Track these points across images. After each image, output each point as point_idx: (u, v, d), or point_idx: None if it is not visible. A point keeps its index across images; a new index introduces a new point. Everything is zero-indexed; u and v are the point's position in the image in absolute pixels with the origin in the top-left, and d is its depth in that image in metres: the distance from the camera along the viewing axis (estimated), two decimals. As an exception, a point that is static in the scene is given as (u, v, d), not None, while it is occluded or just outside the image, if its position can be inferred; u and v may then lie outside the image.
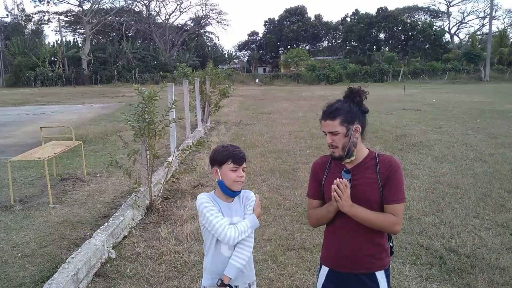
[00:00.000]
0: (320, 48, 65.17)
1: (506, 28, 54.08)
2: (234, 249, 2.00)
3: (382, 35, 57.64)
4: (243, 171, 2.01)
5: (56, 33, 76.45)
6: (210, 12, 60.78)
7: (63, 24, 54.02)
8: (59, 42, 47.57)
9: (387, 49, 56.80)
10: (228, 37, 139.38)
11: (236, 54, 67.34)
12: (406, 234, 4.17)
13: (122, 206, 4.62)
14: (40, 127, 7.00)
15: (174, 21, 64.81)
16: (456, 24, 63.71)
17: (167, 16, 59.42)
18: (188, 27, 60.92)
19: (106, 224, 4.07)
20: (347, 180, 1.85)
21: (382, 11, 54.93)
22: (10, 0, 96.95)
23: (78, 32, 56.98)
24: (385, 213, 1.84)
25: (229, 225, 1.95)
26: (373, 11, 58.45)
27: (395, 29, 55.65)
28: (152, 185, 4.99)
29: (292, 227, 4.43)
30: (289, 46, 60.06)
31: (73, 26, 56.68)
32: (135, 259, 3.75)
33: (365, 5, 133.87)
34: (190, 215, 4.69)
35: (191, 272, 3.48)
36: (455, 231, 4.22)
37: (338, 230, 1.92)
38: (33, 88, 37.66)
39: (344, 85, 38.63)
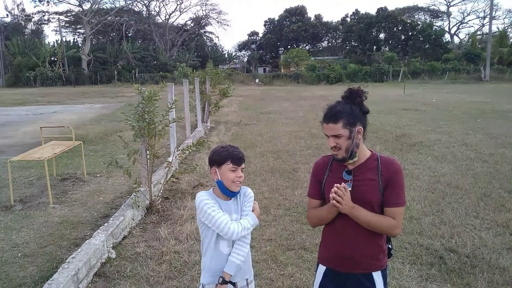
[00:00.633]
0: (320, 48, 65.19)
1: (506, 28, 54.12)
2: (232, 246, 2.02)
3: (382, 35, 57.65)
4: (241, 171, 2.02)
5: (56, 33, 76.54)
6: (210, 12, 60.84)
7: (63, 24, 54.04)
8: (59, 42, 47.56)
9: (387, 49, 56.82)
10: (228, 37, 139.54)
11: (236, 54, 67.36)
12: (406, 234, 4.16)
13: (122, 206, 4.62)
14: (40, 127, 7.00)
15: (174, 21, 64.84)
16: (456, 24, 63.80)
17: (167, 16, 59.47)
18: (188, 27, 60.92)
19: (106, 224, 4.08)
20: (349, 181, 1.86)
21: (382, 11, 54.95)
22: (10, 0, 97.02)
23: (78, 32, 57.04)
24: (385, 216, 1.84)
25: (233, 221, 1.98)
26: (373, 11, 58.55)
27: (395, 29, 55.66)
28: (152, 185, 4.99)
29: (292, 227, 4.43)
30: (289, 46, 60.07)
31: (73, 26, 56.69)
32: (135, 259, 3.75)
33: (365, 5, 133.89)
34: (190, 215, 4.69)
35: (191, 272, 3.48)
36: (455, 231, 4.22)
37: (338, 231, 1.92)
38: (33, 88, 37.66)
39: (344, 85, 38.64)
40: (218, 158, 2.01)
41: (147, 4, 56.42)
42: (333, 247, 1.96)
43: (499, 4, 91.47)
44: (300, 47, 57.67)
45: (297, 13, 62.62)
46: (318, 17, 64.34)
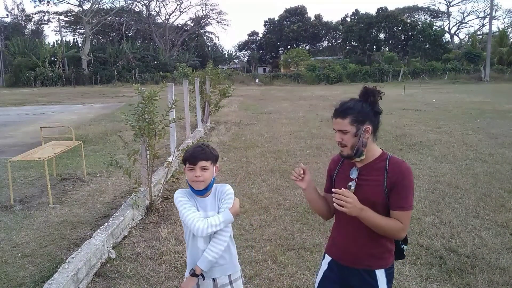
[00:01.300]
0: (320, 48, 65.25)
1: (506, 28, 54.11)
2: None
3: (382, 35, 57.67)
4: (203, 170, 2.02)
5: (56, 33, 76.52)
6: (210, 12, 60.87)
7: (63, 24, 54.04)
8: (59, 42, 47.57)
9: (387, 49, 56.85)
10: (228, 37, 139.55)
11: (236, 54, 67.40)
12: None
13: (122, 206, 4.62)
14: (40, 127, 7.00)
15: (174, 21, 64.96)
16: (456, 24, 63.82)
17: (167, 16, 59.52)
18: (188, 27, 60.94)
19: (106, 224, 4.07)
20: (354, 179, 1.86)
21: (382, 11, 54.96)
22: (10, 0, 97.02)
23: (78, 32, 57.05)
24: (393, 219, 1.81)
25: (202, 218, 2.00)
26: (373, 11, 58.57)
27: (395, 29, 55.67)
28: (152, 185, 4.98)
29: (292, 227, 4.43)
30: (289, 46, 60.10)
31: (73, 26, 56.69)
32: (135, 259, 3.75)
33: (365, 5, 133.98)
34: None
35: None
36: (455, 231, 4.22)
37: (344, 227, 1.95)
38: (33, 88, 37.67)
39: (344, 85, 38.75)
40: (183, 158, 2.09)
41: (147, 4, 56.49)
42: (337, 241, 2.00)
43: (499, 4, 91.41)
44: (300, 47, 57.70)
45: (297, 13, 62.66)
46: (318, 17, 64.39)
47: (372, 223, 1.78)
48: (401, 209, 1.79)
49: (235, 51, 68.13)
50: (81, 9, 51.11)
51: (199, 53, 55.51)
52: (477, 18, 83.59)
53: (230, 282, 2.12)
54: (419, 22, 56.49)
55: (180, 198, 2.05)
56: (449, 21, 63.45)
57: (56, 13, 57.37)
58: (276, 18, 64.08)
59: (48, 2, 52.33)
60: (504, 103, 17.40)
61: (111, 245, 3.87)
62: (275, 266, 3.58)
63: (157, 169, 6.00)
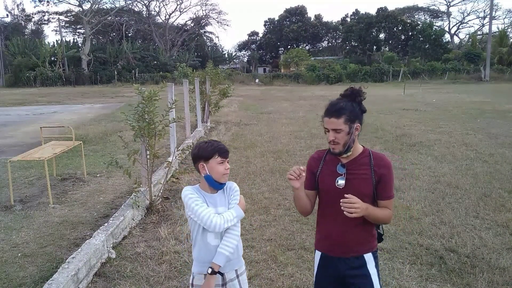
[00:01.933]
0: (320, 48, 65.25)
1: (506, 28, 54.11)
2: (221, 238, 2.07)
3: (382, 35, 57.67)
4: (228, 163, 2.10)
5: (56, 33, 76.52)
6: (210, 12, 60.86)
7: (63, 24, 54.05)
8: (59, 42, 47.57)
9: (387, 49, 56.84)
10: (228, 37, 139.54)
11: (236, 54, 67.41)
12: (406, 234, 4.16)
13: (122, 206, 4.62)
14: (40, 127, 7.00)
15: (174, 21, 64.97)
16: (456, 24, 63.80)
17: (167, 16, 59.52)
18: (188, 27, 60.93)
19: (106, 224, 4.07)
20: (342, 174, 1.97)
21: (382, 11, 54.96)
22: (10, 0, 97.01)
23: (78, 32, 57.07)
24: (386, 209, 1.99)
25: (216, 214, 2.01)
26: (373, 11, 58.56)
27: (395, 29, 55.68)
28: (152, 185, 4.98)
29: (292, 227, 4.43)
30: (289, 46, 60.10)
31: (73, 26, 56.71)
32: (135, 259, 3.75)
33: (365, 5, 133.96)
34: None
35: (191, 272, 3.47)
36: (455, 231, 4.22)
37: (329, 218, 2.04)
38: (33, 88, 37.66)
39: (344, 85, 38.63)
40: (204, 153, 2.06)
41: (147, 4, 56.48)
42: (325, 234, 2.09)
43: (499, 4, 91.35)
44: (300, 47, 57.69)
45: (297, 13, 62.67)
46: (318, 17, 64.39)
47: (374, 217, 1.94)
48: (389, 198, 2.00)
49: (235, 51, 68.18)
50: (81, 9, 51.13)
51: (199, 53, 55.51)
52: (477, 18, 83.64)
53: (237, 276, 2.15)
54: (419, 22, 56.49)
55: (190, 195, 2.05)
56: (449, 21, 63.52)
57: (56, 13, 57.43)
58: (276, 18, 64.10)
59: (48, 2, 52.38)
60: (504, 103, 17.41)
61: (111, 245, 3.87)
62: (275, 266, 3.58)
63: (157, 169, 6.00)
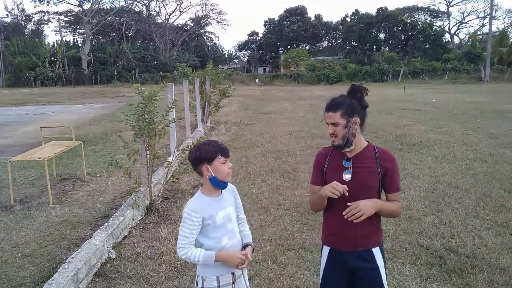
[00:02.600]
0: (320, 48, 65.24)
1: (506, 28, 54.09)
2: (232, 238, 2.10)
3: (382, 35, 57.67)
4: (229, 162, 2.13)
5: (56, 33, 76.52)
6: (210, 12, 60.89)
7: (63, 24, 54.04)
8: (59, 42, 47.57)
9: (387, 49, 56.85)
10: (228, 37, 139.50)
11: (236, 54, 67.40)
12: (406, 234, 4.16)
13: (122, 206, 4.62)
14: (40, 127, 7.00)
15: (174, 21, 64.98)
16: (456, 24, 63.75)
17: (167, 16, 59.53)
18: (188, 27, 60.94)
19: (106, 224, 4.07)
20: (348, 168, 2.05)
21: (382, 11, 54.96)
22: (10, 0, 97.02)
23: (78, 32, 57.06)
24: (395, 202, 2.09)
25: (188, 244, 2.00)
26: (373, 11, 58.59)
27: (395, 29, 55.67)
28: (152, 185, 4.98)
29: (292, 227, 4.43)
30: (289, 46, 60.10)
31: (73, 26, 56.70)
32: (135, 259, 3.75)
33: (365, 5, 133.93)
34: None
35: (191, 272, 3.48)
36: (455, 231, 4.22)
37: (337, 213, 2.05)
38: (33, 88, 37.66)
39: (344, 85, 38.65)
40: (207, 155, 2.03)
41: (147, 4, 56.48)
42: (334, 229, 2.13)
43: (499, 4, 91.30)
44: (300, 47, 57.68)
45: (297, 13, 62.67)
46: (318, 17, 64.37)
47: (386, 210, 2.05)
48: (397, 190, 2.10)
49: (235, 51, 68.17)
50: (81, 9, 51.13)
51: (199, 53, 55.51)
52: (477, 18, 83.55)
53: (242, 272, 2.19)
54: (419, 22, 56.49)
55: (189, 216, 2.01)
56: (449, 21, 63.49)
57: (56, 13, 57.42)
58: (276, 18, 64.10)
59: (48, 2, 52.38)
60: (504, 103, 17.41)
61: (111, 245, 3.87)
62: (275, 266, 3.58)
63: (157, 169, 6.00)
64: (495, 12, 56.89)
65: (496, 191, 5.49)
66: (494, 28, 51.59)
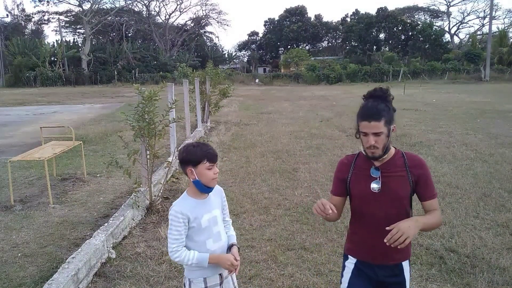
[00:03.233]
0: (320, 48, 65.20)
1: (506, 28, 54.07)
2: (218, 240, 2.10)
3: (382, 35, 57.67)
4: (216, 167, 2.07)
5: (56, 33, 76.48)
6: (210, 12, 60.90)
7: (63, 24, 54.05)
8: (59, 42, 47.56)
9: (387, 49, 56.82)
10: (228, 37, 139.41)
11: (236, 54, 67.36)
12: (406, 234, 4.16)
13: (122, 206, 4.62)
14: (40, 127, 7.00)
15: (174, 21, 64.92)
16: (456, 24, 63.73)
17: (167, 16, 59.53)
18: (188, 27, 60.94)
19: (106, 224, 4.07)
20: (377, 178, 1.90)
21: (382, 11, 54.96)
22: (10, 0, 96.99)
23: (78, 32, 57.05)
24: (433, 212, 1.92)
25: (179, 246, 2.00)
26: (373, 11, 58.57)
27: (395, 29, 55.67)
28: (152, 185, 4.98)
29: (292, 227, 4.43)
30: (289, 46, 60.09)
31: (73, 26, 56.70)
32: (135, 259, 3.75)
33: (365, 5, 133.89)
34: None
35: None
36: (455, 231, 4.22)
37: (366, 225, 1.96)
38: (33, 88, 37.66)
39: (344, 85, 38.73)
40: (193, 158, 1.99)
41: (147, 4, 56.49)
42: (362, 241, 2.00)
43: (499, 4, 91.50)
44: (300, 47, 57.68)
45: (297, 13, 62.63)
46: (318, 17, 64.36)
47: (429, 226, 1.90)
48: (433, 197, 1.93)
49: (235, 51, 68.14)
50: (81, 9, 51.15)
51: (199, 53, 55.51)
52: (477, 18, 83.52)
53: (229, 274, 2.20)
54: (419, 22, 56.48)
55: (175, 218, 1.99)
56: (449, 21, 63.48)
57: (56, 13, 57.47)
58: (276, 18, 64.06)
59: (48, 2, 52.40)
60: (504, 103, 17.41)
61: (111, 245, 3.87)
62: (275, 266, 3.58)
63: (157, 169, 6.00)
64: (495, 12, 56.96)
65: (496, 191, 5.49)
66: (494, 28, 51.66)
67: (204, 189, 2.04)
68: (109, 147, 8.77)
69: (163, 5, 75.48)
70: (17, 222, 4.57)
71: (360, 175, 1.96)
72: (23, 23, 57.02)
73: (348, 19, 61.90)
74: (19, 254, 3.77)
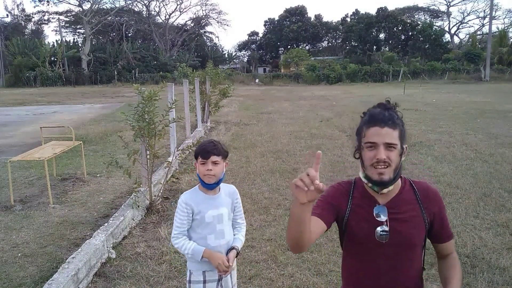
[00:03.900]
0: (320, 48, 65.17)
1: (506, 28, 54.06)
2: (220, 238, 2.14)
3: (382, 35, 57.68)
4: (214, 164, 2.07)
5: (56, 33, 76.49)
6: (210, 12, 60.88)
7: (63, 24, 54.03)
8: (59, 42, 47.56)
9: (387, 49, 56.82)
10: (228, 37, 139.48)
11: (236, 54, 67.34)
12: (406, 234, 4.16)
13: (122, 206, 4.62)
14: (40, 127, 7.00)
15: (174, 21, 64.83)
16: (456, 24, 63.69)
17: (167, 16, 59.49)
18: (188, 27, 60.92)
19: (106, 224, 4.07)
20: (384, 222, 1.46)
21: (382, 11, 54.96)
22: (10, 0, 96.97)
23: (78, 32, 57.03)
24: (452, 266, 1.60)
25: (180, 234, 2.12)
26: (373, 11, 58.57)
27: (395, 29, 55.67)
28: (152, 185, 4.98)
29: (292, 227, 4.42)
30: (289, 46, 60.07)
31: (73, 26, 56.68)
32: (135, 259, 3.75)
33: (365, 5, 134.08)
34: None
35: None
36: (455, 231, 4.21)
37: (369, 275, 1.55)
38: (33, 88, 37.65)
39: (344, 85, 38.74)
40: (195, 152, 2.15)
41: (147, 4, 56.47)
42: (364, 280, 1.57)
43: (499, 4, 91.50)
44: (300, 47, 57.66)
45: (297, 13, 62.62)
46: (318, 17, 64.34)
47: None
48: (451, 237, 1.61)
49: (235, 51, 68.12)
50: (81, 9, 51.13)
51: (199, 53, 55.50)
52: (477, 18, 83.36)
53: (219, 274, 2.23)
54: (419, 22, 56.47)
55: (180, 207, 2.12)
56: (449, 21, 63.42)
57: (56, 13, 57.46)
58: (276, 18, 64.04)
59: (48, 2, 52.39)
60: (504, 103, 17.40)
61: (111, 245, 3.87)
62: (275, 266, 3.58)
63: (157, 169, 6.00)
64: (495, 12, 56.91)
65: (496, 191, 5.49)
66: (494, 28, 51.56)
67: (202, 183, 2.12)
68: (109, 147, 8.77)
69: (163, 5, 75.44)
70: (17, 222, 4.57)
71: (362, 213, 1.50)
72: (23, 23, 57.03)
73: (348, 19, 61.88)
74: (19, 254, 3.77)
